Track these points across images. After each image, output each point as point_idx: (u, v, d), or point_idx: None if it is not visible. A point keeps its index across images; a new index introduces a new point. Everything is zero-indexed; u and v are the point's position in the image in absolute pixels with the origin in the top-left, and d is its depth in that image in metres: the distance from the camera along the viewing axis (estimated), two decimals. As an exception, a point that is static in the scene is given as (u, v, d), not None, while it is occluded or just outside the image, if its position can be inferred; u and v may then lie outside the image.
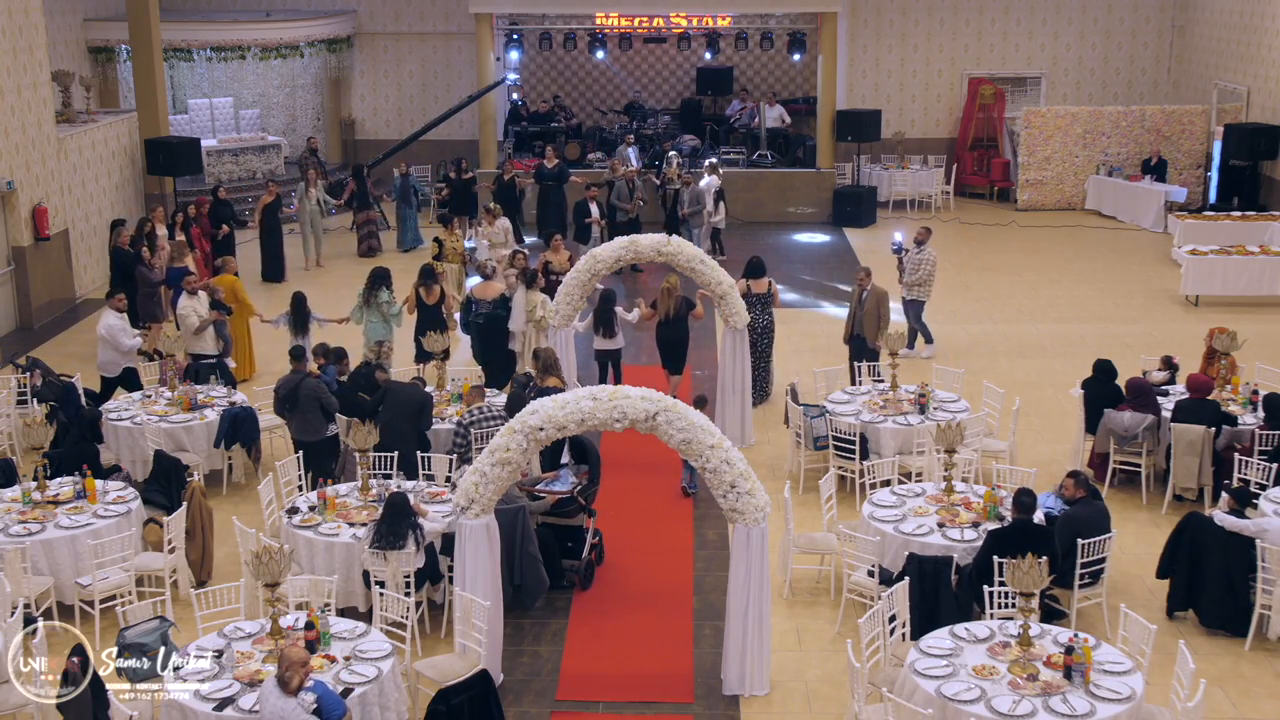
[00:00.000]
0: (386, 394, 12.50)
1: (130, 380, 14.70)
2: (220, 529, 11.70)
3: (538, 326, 15.12)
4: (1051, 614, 9.96)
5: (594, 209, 20.78)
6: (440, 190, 24.30)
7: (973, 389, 14.46)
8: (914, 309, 17.04)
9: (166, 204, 22.15)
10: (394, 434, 12.00)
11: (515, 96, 27.76)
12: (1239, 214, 21.89)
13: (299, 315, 15.04)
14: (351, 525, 10.61)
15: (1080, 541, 10.03)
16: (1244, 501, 10.53)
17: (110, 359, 14.70)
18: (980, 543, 10.03)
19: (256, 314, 16.29)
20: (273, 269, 21.09)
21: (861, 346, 14.85)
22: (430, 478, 11.85)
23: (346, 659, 8.63)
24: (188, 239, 18.76)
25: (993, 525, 10.25)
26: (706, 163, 22.88)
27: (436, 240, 18.94)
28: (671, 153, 24.05)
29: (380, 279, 15.29)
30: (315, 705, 7.69)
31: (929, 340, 17.22)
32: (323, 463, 12.41)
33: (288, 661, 7.72)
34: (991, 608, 9.46)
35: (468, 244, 19.86)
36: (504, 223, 19.20)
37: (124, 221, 18.41)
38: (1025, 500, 9.85)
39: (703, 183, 21.91)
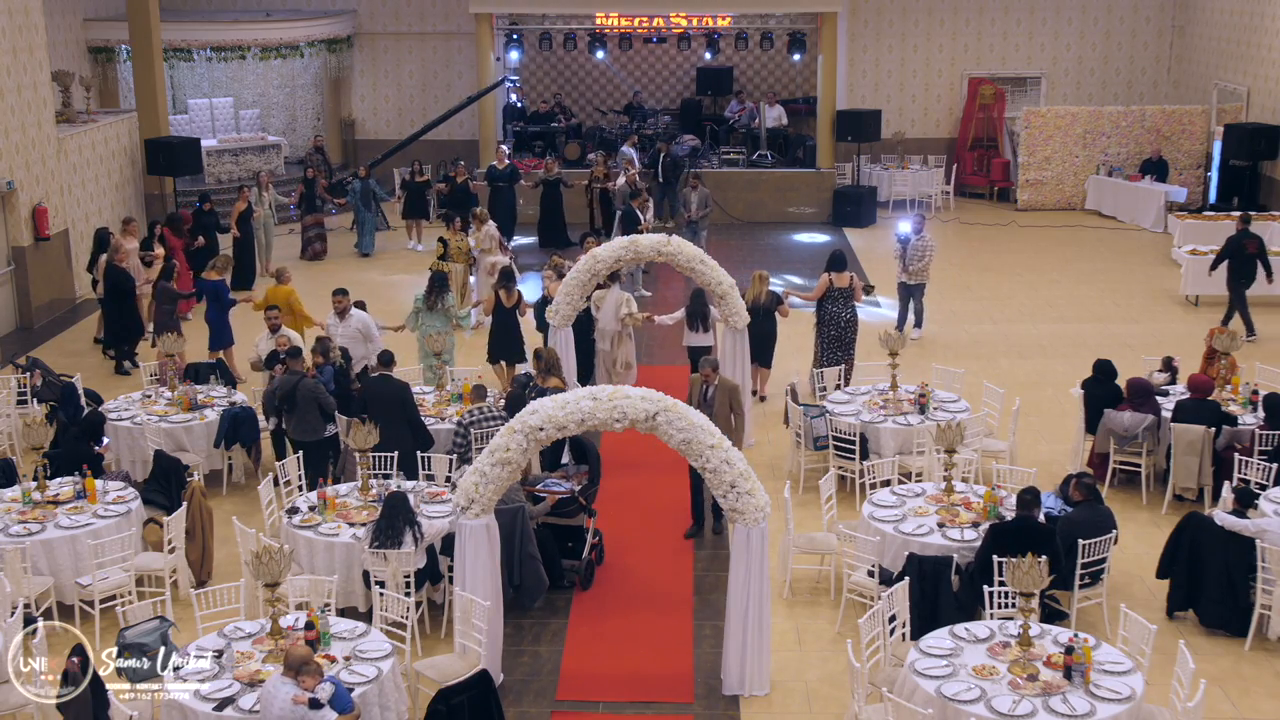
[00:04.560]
0: (366, 392, 12.51)
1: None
2: (220, 529, 11.69)
3: (624, 324, 15.24)
4: (1052, 614, 9.97)
5: (643, 216, 20.49)
6: (396, 195, 24.35)
7: (973, 389, 14.46)
8: (917, 292, 17.70)
9: (166, 204, 22.18)
10: (384, 431, 11.91)
11: (513, 98, 27.71)
12: (1239, 214, 21.86)
13: None
14: (351, 525, 10.62)
15: (1081, 542, 10.03)
16: (1247, 502, 10.53)
17: (363, 353, 14.33)
18: (980, 543, 10.04)
19: (315, 324, 15.35)
20: (243, 276, 20.41)
21: None
22: (430, 478, 11.86)
23: (346, 659, 8.63)
24: (166, 250, 18.58)
25: (983, 537, 10.23)
26: (624, 160, 22.75)
27: (441, 240, 18.94)
28: (593, 155, 23.99)
29: (443, 283, 15.35)
30: (332, 693, 7.79)
31: (919, 325, 17.84)
32: (322, 463, 12.40)
33: (296, 659, 7.76)
34: (991, 608, 9.46)
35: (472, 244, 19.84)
36: (490, 228, 19.11)
37: (110, 234, 18.17)
38: (1028, 498, 9.88)
39: (620, 182, 21.84)
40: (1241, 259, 17.85)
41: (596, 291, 15.27)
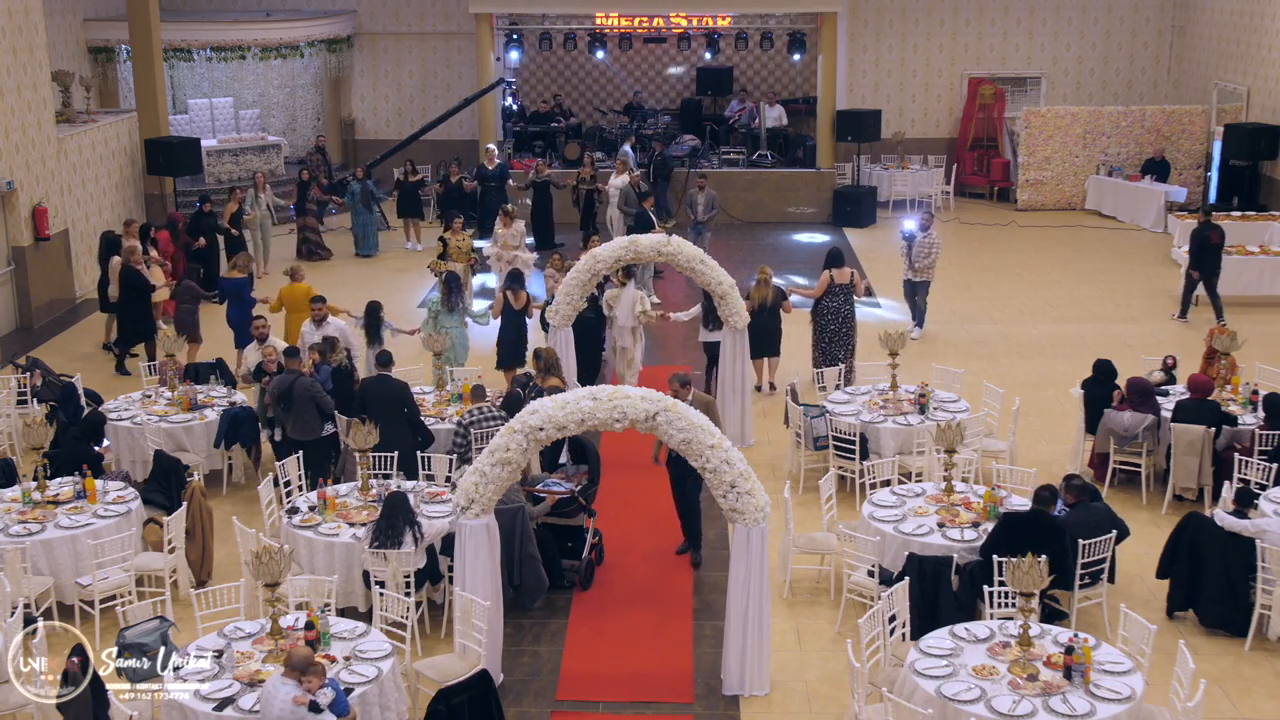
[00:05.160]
0: (365, 392, 12.50)
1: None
2: (220, 529, 11.69)
3: (640, 321, 15.30)
4: (1052, 614, 9.97)
5: (655, 219, 20.50)
6: (391, 194, 24.35)
7: (973, 389, 14.46)
8: (922, 290, 17.80)
9: (166, 204, 22.15)
10: (384, 431, 11.90)
11: (508, 100, 27.57)
12: (1239, 214, 21.90)
13: (372, 323, 14.64)
14: (351, 525, 10.62)
15: (1082, 542, 10.03)
16: (1246, 503, 10.53)
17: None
18: (979, 543, 10.05)
19: (343, 312, 15.10)
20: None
21: (685, 469, 11.12)
22: (430, 478, 11.86)
23: (346, 659, 8.63)
24: (158, 255, 18.51)
25: (993, 525, 10.25)
26: (619, 160, 22.75)
27: (441, 240, 18.99)
28: (585, 154, 24.00)
29: (457, 283, 15.41)
30: (332, 698, 7.79)
31: (920, 324, 17.90)
32: (321, 463, 12.39)
33: (300, 660, 7.75)
34: (991, 608, 9.46)
35: (477, 243, 19.88)
36: (519, 225, 19.19)
37: (118, 237, 18.12)
38: (1045, 494, 9.96)
39: (612, 182, 21.81)
40: (1208, 250, 18.02)
41: (610, 291, 15.34)
